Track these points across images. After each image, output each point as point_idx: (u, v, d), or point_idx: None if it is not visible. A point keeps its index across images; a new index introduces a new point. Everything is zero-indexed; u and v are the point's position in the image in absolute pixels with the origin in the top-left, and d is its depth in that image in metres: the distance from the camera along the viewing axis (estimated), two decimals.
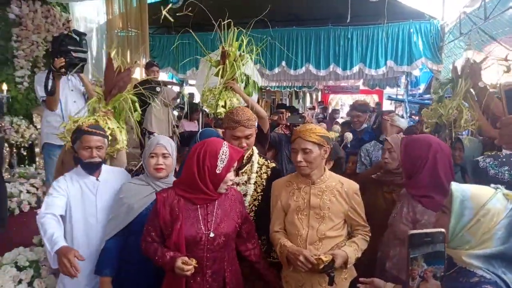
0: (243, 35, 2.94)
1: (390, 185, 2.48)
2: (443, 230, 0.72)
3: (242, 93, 2.97)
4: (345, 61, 6.01)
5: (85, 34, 3.48)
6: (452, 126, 2.78)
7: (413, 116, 8.90)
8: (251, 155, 2.29)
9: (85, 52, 3.40)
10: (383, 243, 2.09)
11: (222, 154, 1.77)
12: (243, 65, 2.90)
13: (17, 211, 3.90)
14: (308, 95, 16.86)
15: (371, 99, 17.15)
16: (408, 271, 0.76)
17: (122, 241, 2.04)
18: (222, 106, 2.79)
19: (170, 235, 1.74)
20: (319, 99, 17.31)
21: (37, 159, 5.22)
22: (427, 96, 9.03)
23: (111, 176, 2.23)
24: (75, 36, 3.37)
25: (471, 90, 2.71)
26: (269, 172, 2.26)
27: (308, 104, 16.42)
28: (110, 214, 2.10)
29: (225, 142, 1.89)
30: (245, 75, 3.01)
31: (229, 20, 2.77)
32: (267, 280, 2.05)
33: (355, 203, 1.92)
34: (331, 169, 2.20)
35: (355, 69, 6.02)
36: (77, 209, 2.10)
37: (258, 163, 2.26)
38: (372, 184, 2.58)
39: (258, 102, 9.40)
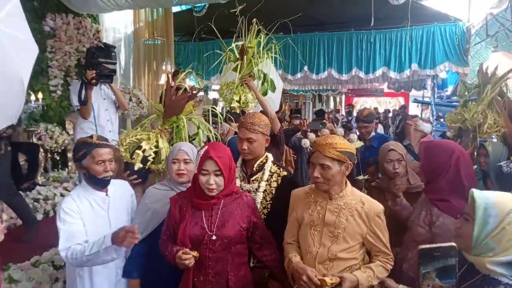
0: (262, 33, 3.03)
1: (388, 192, 2.44)
2: (454, 244, 0.73)
3: (256, 90, 3.05)
4: (368, 65, 5.98)
5: (114, 47, 3.69)
6: (476, 131, 2.75)
7: (440, 119, 8.71)
8: (264, 163, 2.25)
9: (115, 63, 3.61)
10: (403, 245, 2.11)
11: (199, 155, 1.85)
12: (260, 62, 2.97)
13: (51, 213, 4.11)
14: (332, 98, 16.76)
15: (397, 102, 16.87)
16: (419, 285, 0.76)
17: (149, 245, 2.10)
18: (237, 101, 2.87)
19: (177, 233, 1.84)
20: (343, 102, 17.18)
21: (69, 163, 5.47)
22: (455, 98, 8.81)
23: (118, 189, 2.15)
24: (105, 48, 3.58)
25: (498, 97, 2.68)
26: (279, 181, 2.19)
27: (331, 107, 16.32)
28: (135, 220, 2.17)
29: (210, 145, 1.93)
30: (263, 73, 3.08)
31: (252, 20, 2.86)
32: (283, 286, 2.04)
33: (375, 226, 1.74)
34: None
35: (378, 72, 5.98)
36: (90, 229, 1.97)
37: (270, 171, 2.21)
38: (374, 191, 2.56)
39: (281, 106, 9.47)
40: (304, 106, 14.59)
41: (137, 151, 2.42)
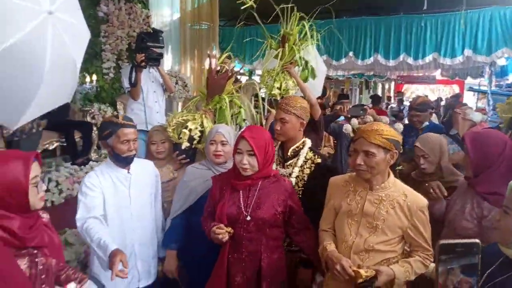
0: (305, 21, 3.02)
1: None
2: (478, 241, 0.71)
3: (297, 77, 3.07)
4: (417, 51, 5.70)
5: (161, 32, 3.88)
6: None
7: (497, 110, 8.15)
8: (300, 148, 2.26)
9: (162, 47, 3.80)
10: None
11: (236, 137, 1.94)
12: (302, 49, 2.98)
13: None
14: (380, 85, 16.18)
15: (451, 90, 15.93)
16: (438, 280, 0.76)
17: (186, 219, 2.25)
18: (278, 88, 2.91)
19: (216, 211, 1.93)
20: (392, 90, 16.51)
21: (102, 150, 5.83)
22: None
23: (140, 168, 2.23)
24: (154, 33, 3.77)
25: None
26: (312, 168, 2.19)
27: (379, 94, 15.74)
28: (159, 201, 2.31)
29: (248, 127, 2.05)
30: (304, 60, 3.09)
31: (292, 5, 2.86)
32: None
33: (418, 221, 1.68)
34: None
35: (428, 58, 5.69)
36: (110, 204, 2.08)
37: (305, 157, 2.22)
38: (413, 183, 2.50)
39: (325, 91, 9.36)
40: (350, 92, 14.23)
41: (184, 130, 2.57)
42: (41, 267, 1.39)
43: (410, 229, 1.69)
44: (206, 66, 2.94)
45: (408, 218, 1.68)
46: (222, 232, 1.79)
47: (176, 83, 6.15)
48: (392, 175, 1.78)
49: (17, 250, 1.33)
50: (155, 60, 3.74)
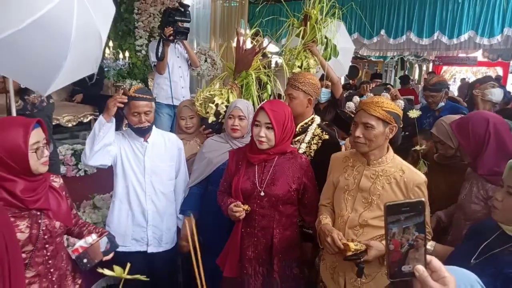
0: None
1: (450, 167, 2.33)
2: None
3: (320, 55, 3.05)
4: (453, 29, 5.42)
5: (188, 6, 3.93)
6: None
7: None
8: (309, 125, 2.24)
9: (189, 21, 3.86)
10: (453, 226, 2.06)
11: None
12: (324, 28, 2.96)
13: None
14: (416, 66, 15.55)
15: (494, 72, 15.07)
16: (388, 241, 0.72)
17: (203, 189, 2.33)
18: (298, 67, 2.92)
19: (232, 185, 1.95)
20: (430, 71, 15.84)
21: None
22: None
23: (161, 140, 2.28)
24: (181, 8, 3.84)
25: None
26: (319, 144, 2.18)
27: (416, 76, 15.17)
28: (169, 173, 2.33)
29: (269, 100, 2.06)
30: (326, 38, 3.07)
31: None
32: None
33: (414, 197, 1.62)
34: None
35: (464, 37, 5.41)
36: (128, 165, 2.19)
37: (313, 133, 2.21)
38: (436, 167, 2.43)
39: (357, 72, 9.07)
40: (385, 73, 13.81)
41: (211, 105, 2.65)
42: (44, 228, 1.48)
43: None
44: (235, 43, 2.98)
45: (404, 194, 1.64)
46: (239, 210, 1.80)
47: (205, 60, 6.25)
48: (391, 151, 1.74)
49: (19, 211, 1.41)
50: (182, 34, 3.80)
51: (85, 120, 4.99)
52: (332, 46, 3.21)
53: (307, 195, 1.95)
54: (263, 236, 1.90)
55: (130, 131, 2.22)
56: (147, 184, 2.22)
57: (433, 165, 2.35)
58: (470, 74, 18.95)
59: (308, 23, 3.02)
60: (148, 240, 2.26)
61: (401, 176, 1.65)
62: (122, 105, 2.05)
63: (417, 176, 1.66)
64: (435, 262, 0.73)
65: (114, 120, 2.08)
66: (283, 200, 1.88)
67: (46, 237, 1.49)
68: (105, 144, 2.07)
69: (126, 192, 2.22)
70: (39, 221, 1.47)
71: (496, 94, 2.78)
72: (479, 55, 11.49)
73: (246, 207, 1.83)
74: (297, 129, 2.22)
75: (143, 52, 6.10)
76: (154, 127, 2.30)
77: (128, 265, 0.80)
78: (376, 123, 1.62)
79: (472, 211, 1.88)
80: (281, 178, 1.88)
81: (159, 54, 3.73)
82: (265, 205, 1.88)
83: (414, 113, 3.14)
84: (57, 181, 1.64)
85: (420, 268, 0.73)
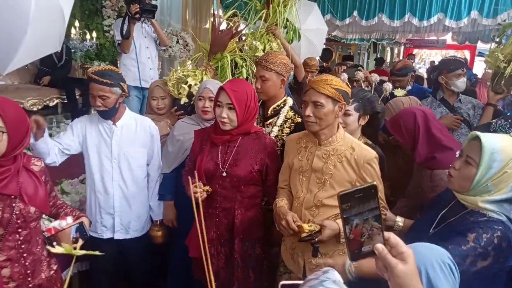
0: None
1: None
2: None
3: (282, 39, 3.05)
4: (423, 11, 5.49)
5: None
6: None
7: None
8: (281, 107, 2.18)
9: None
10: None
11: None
12: (285, 11, 2.95)
13: None
14: (388, 49, 15.80)
15: (462, 55, 15.53)
16: (347, 230, 0.72)
17: (176, 171, 2.30)
18: (262, 50, 2.90)
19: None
20: (401, 54, 16.14)
21: None
22: None
23: (132, 124, 2.20)
24: None
25: None
26: (292, 127, 2.15)
27: (388, 59, 15.42)
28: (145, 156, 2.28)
29: (232, 79, 2.04)
30: (287, 21, 3.06)
31: None
32: None
33: (366, 174, 1.64)
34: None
35: (433, 19, 5.51)
36: (93, 150, 2.14)
37: (285, 116, 2.17)
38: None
39: (331, 55, 9.11)
40: (358, 56, 13.95)
41: (183, 86, 2.59)
42: (17, 212, 1.45)
43: (359, 182, 1.65)
44: (207, 26, 2.92)
45: (356, 171, 1.65)
46: (199, 191, 1.74)
47: (177, 42, 6.10)
48: (341, 129, 1.74)
49: None
50: (150, 12, 3.67)
51: (51, 104, 4.79)
52: (294, 29, 3.21)
53: (269, 177, 1.93)
54: (224, 217, 1.89)
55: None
56: (114, 169, 2.15)
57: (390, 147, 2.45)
58: (440, 57, 19.50)
59: (271, 5, 2.99)
60: (115, 227, 2.21)
61: (351, 154, 1.66)
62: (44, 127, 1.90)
63: (367, 152, 1.66)
64: (393, 238, 0.75)
65: (45, 133, 1.93)
66: (245, 181, 1.86)
67: (19, 221, 1.46)
68: (44, 153, 1.98)
69: (92, 178, 2.17)
70: (13, 205, 1.44)
71: (459, 86, 2.86)
72: (448, 38, 11.78)
73: (206, 187, 1.80)
74: (269, 112, 2.18)
75: (111, 32, 5.87)
76: (127, 110, 2.23)
77: (80, 243, 0.77)
78: (325, 101, 1.61)
79: (421, 201, 1.94)
80: (244, 159, 1.86)
81: (124, 32, 3.60)
82: (227, 186, 1.86)
83: (399, 92, 3.20)
84: (38, 165, 1.60)
85: (380, 246, 0.74)
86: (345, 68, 3.73)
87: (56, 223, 1.55)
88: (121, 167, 2.16)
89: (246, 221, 1.89)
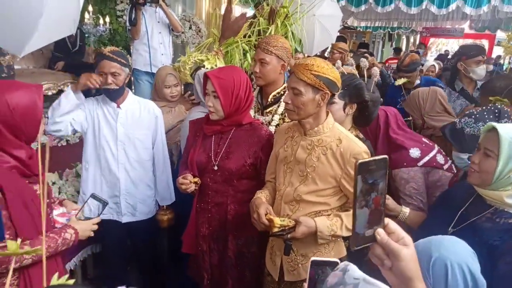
0: None
1: None
2: (386, 156, 0.72)
3: None
4: None
5: None
6: None
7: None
8: (281, 94, 2.05)
9: None
10: None
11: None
12: (290, 24, 2.92)
13: None
14: (404, 37, 15.47)
15: (480, 45, 15.09)
16: (359, 202, 0.69)
17: None
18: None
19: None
20: (417, 43, 15.81)
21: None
22: None
23: (136, 106, 2.20)
24: None
25: None
26: None
27: (403, 48, 15.12)
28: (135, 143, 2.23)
29: (224, 66, 1.98)
30: (292, 33, 3.01)
31: None
32: None
33: (352, 169, 1.44)
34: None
35: (452, 7, 5.35)
36: (99, 132, 2.15)
37: None
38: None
39: (345, 42, 9.04)
40: (372, 44, 13.73)
41: (199, 71, 2.58)
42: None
43: (345, 178, 1.50)
44: (222, 10, 2.91)
45: (341, 166, 1.49)
46: (186, 183, 1.69)
47: (190, 27, 6.06)
48: (330, 119, 1.56)
49: (28, 177, 1.38)
50: None
51: (66, 88, 4.83)
52: (299, 41, 3.17)
53: (262, 171, 1.80)
54: (217, 212, 1.80)
55: (104, 96, 2.15)
56: (119, 152, 2.16)
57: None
58: (457, 46, 18.99)
59: (277, 19, 2.94)
60: (122, 209, 2.23)
61: (338, 146, 1.49)
62: (92, 86, 1.99)
63: (356, 146, 1.50)
64: (392, 224, 0.73)
65: (81, 95, 2.03)
66: (237, 175, 1.76)
67: (47, 201, 1.48)
68: (64, 113, 2.01)
69: (98, 160, 2.18)
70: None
71: (478, 74, 2.77)
72: (466, 27, 11.49)
73: (195, 179, 1.72)
74: (269, 99, 2.08)
75: (125, 17, 5.86)
76: (130, 93, 2.23)
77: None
78: (304, 89, 1.45)
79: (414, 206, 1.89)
80: (236, 151, 1.76)
81: (132, 18, 3.62)
82: (218, 180, 1.77)
83: (400, 81, 3.13)
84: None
85: (381, 231, 0.71)
86: (351, 55, 3.67)
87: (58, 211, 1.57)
88: (126, 149, 2.17)
89: (239, 217, 1.78)
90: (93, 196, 1.55)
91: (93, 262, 2.74)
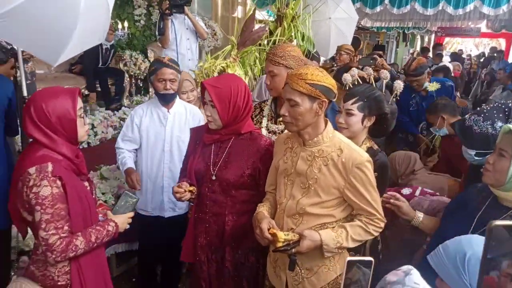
0: None
1: None
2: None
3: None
4: None
5: None
6: None
7: None
8: None
9: None
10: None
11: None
12: (299, 25, 2.97)
13: None
14: (418, 37, 15.30)
15: (497, 44, 14.87)
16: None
17: None
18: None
19: None
20: (432, 43, 15.62)
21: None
22: None
23: (183, 111, 2.35)
24: None
25: None
26: None
27: (417, 48, 14.95)
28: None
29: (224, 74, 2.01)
30: (302, 34, 3.06)
31: None
32: None
33: (355, 179, 1.42)
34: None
35: (469, 7, 5.29)
36: (147, 136, 2.29)
37: None
38: None
39: (359, 43, 9.02)
40: (386, 45, 13.61)
41: None
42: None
43: (348, 189, 1.45)
44: (236, 14, 3.01)
45: (343, 176, 1.44)
46: (181, 191, 1.66)
47: None
48: (329, 128, 1.51)
49: (78, 175, 1.50)
50: (179, 7, 3.84)
51: (86, 93, 4.97)
52: (309, 40, 3.22)
53: (262, 181, 1.74)
54: (214, 223, 1.76)
55: (156, 100, 2.32)
56: (165, 153, 2.30)
57: None
58: (472, 46, 18.68)
59: (284, 22, 3.00)
60: (165, 205, 2.36)
61: (339, 156, 1.45)
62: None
63: (357, 155, 1.44)
64: None
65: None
66: (236, 185, 1.71)
67: (93, 197, 1.61)
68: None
69: (146, 160, 2.33)
70: (91, 183, 1.61)
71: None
72: (482, 26, 11.32)
73: (190, 188, 1.69)
74: None
75: (142, 22, 5.99)
76: (178, 98, 2.39)
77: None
78: (300, 99, 1.41)
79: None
80: (235, 161, 1.71)
81: (160, 28, 3.82)
82: (216, 190, 1.73)
83: (433, 86, 3.13)
84: None
85: None
86: (360, 57, 3.69)
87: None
88: (172, 150, 2.30)
89: (238, 228, 1.74)
90: (126, 193, 1.65)
91: (116, 261, 2.82)
